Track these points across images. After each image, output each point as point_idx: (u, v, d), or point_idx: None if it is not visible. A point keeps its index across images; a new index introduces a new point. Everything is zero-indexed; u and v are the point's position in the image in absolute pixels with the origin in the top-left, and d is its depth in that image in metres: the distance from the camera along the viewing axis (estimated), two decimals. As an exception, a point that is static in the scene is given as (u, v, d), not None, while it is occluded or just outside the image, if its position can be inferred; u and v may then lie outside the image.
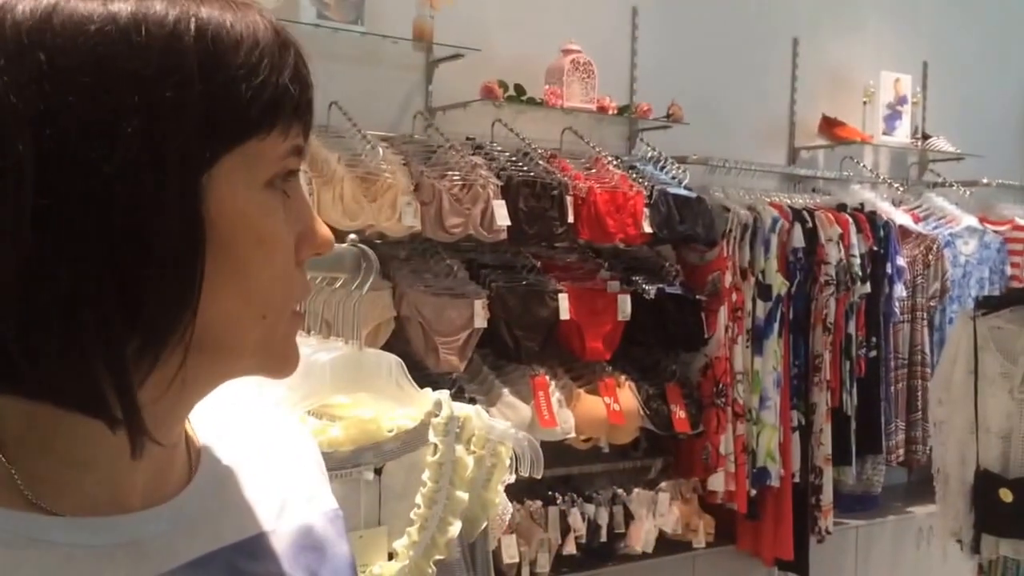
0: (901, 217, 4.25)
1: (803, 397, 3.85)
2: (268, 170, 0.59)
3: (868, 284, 3.96)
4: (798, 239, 3.82)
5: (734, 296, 3.68)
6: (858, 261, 3.93)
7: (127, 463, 0.59)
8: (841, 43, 4.58)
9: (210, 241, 0.56)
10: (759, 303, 3.74)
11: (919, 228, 4.29)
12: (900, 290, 4.09)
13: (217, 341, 0.59)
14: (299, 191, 0.62)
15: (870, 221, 4.04)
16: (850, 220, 3.97)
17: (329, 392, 1.34)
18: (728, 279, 3.67)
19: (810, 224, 3.87)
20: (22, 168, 0.51)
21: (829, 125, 4.44)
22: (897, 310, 4.12)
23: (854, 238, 3.94)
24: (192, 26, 0.55)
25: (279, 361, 0.64)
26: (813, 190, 4.37)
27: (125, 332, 0.54)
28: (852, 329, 3.94)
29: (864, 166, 4.55)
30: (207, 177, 0.56)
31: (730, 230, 3.71)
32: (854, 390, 3.95)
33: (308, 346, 1.42)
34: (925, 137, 4.70)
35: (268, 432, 0.76)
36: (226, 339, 0.60)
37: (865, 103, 4.46)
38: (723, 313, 3.65)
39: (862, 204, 4.18)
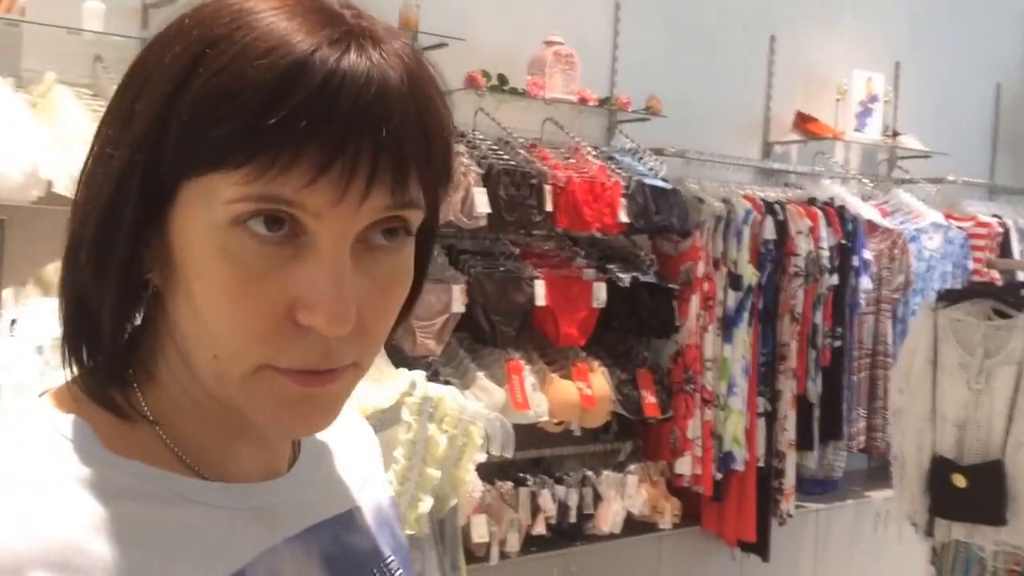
0: (869, 212, 4.37)
1: (769, 384, 3.97)
2: (223, 210, 0.55)
3: (836, 276, 4.08)
4: (769, 231, 3.93)
5: (706, 286, 3.78)
6: (827, 253, 4.04)
7: (236, 441, 0.65)
8: (817, 42, 4.69)
9: (172, 257, 0.59)
10: (730, 293, 3.85)
11: (886, 223, 4.41)
12: (866, 282, 4.21)
13: (186, 357, 0.61)
14: (319, 247, 0.56)
15: (839, 215, 4.15)
16: (820, 213, 4.08)
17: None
18: (701, 269, 3.77)
19: (781, 217, 3.97)
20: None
21: (803, 121, 4.55)
22: (862, 302, 4.24)
23: (823, 231, 4.05)
24: (218, 43, 0.55)
25: (257, 417, 0.61)
26: (786, 184, 4.47)
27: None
28: (819, 319, 4.06)
29: (835, 161, 4.67)
30: (179, 195, 0.57)
31: (704, 221, 3.80)
32: (819, 378, 4.08)
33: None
34: (895, 134, 4.82)
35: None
36: (189, 357, 0.61)
37: (838, 100, 4.57)
38: (695, 302, 3.75)
39: (832, 198, 4.29)
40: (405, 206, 0.58)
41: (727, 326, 3.84)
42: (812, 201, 4.18)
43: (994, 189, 5.47)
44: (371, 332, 0.59)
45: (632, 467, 3.68)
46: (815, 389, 4.07)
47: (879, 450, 4.30)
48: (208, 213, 0.56)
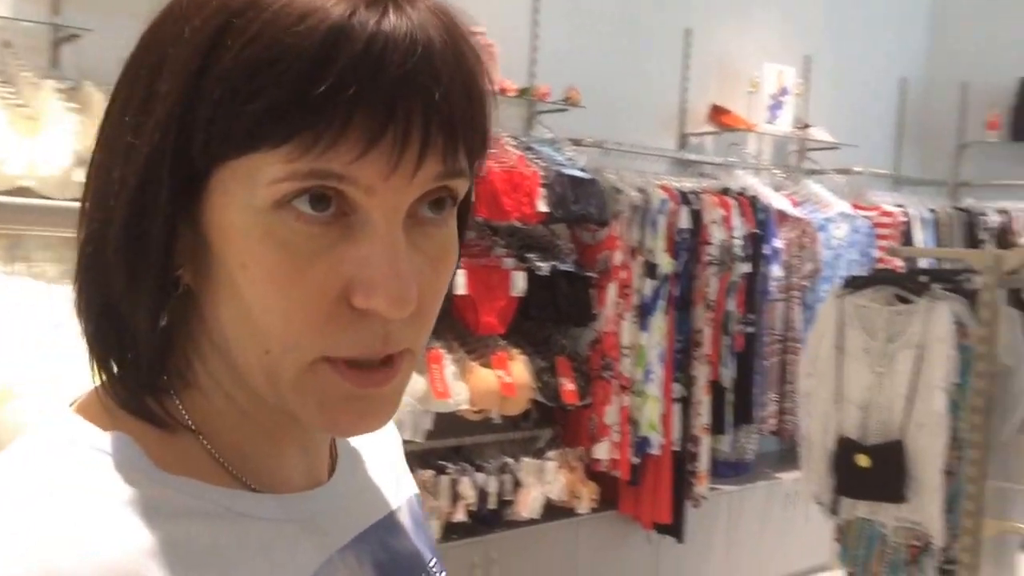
0: (780, 202, 4.49)
1: (684, 370, 4.06)
2: (267, 192, 0.51)
3: (748, 264, 4.19)
4: (685, 220, 4.01)
5: (623, 274, 3.85)
6: (740, 242, 4.14)
7: (280, 447, 0.61)
8: (731, 35, 4.80)
9: (208, 248, 0.54)
10: (646, 281, 3.92)
11: (796, 212, 4.54)
12: (776, 270, 4.34)
13: (229, 357, 0.57)
14: (372, 224, 0.52)
15: (752, 205, 4.26)
16: (733, 203, 4.18)
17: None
18: (618, 258, 3.84)
19: (696, 206, 4.06)
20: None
21: (717, 113, 4.65)
22: (773, 289, 4.36)
23: (736, 220, 4.16)
24: (244, 11, 0.51)
25: (308, 416, 0.56)
26: (701, 174, 4.57)
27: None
28: (732, 306, 4.17)
29: (748, 153, 4.79)
30: (211, 181, 0.53)
31: (621, 211, 3.87)
32: (732, 364, 4.19)
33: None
34: (805, 126, 4.96)
35: None
36: (234, 356, 0.56)
37: (751, 93, 4.68)
38: (612, 290, 3.82)
39: (745, 188, 4.40)
40: (456, 174, 0.54)
41: (643, 314, 3.91)
42: (726, 191, 4.28)
43: (899, 180, 5.68)
44: (426, 313, 0.56)
45: (551, 453, 3.74)
46: (728, 374, 4.18)
47: (789, 433, 4.44)
48: (248, 196, 0.52)
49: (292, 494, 0.61)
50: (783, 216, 4.45)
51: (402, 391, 0.58)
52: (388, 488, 0.72)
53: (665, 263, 3.94)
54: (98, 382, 0.59)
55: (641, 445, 3.89)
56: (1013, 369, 2.90)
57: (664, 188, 4.04)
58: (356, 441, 0.72)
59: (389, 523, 0.69)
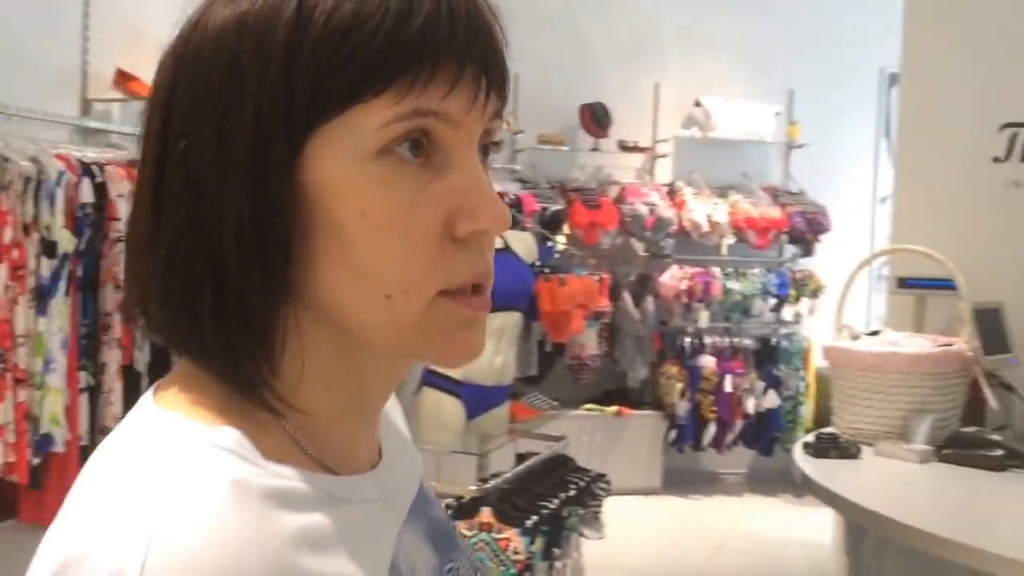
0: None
1: (92, 357, 3.75)
2: (375, 139, 0.56)
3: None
4: (87, 194, 3.68)
5: (15, 253, 3.43)
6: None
7: (355, 426, 0.64)
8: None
9: (311, 213, 0.56)
10: (44, 261, 3.54)
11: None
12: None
13: (340, 317, 0.59)
14: (459, 158, 0.58)
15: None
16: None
17: None
18: (8, 235, 3.40)
19: (100, 179, 3.76)
20: (146, 152, 0.58)
21: (124, 79, 4.35)
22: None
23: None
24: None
25: (431, 350, 0.60)
26: (110, 144, 4.25)
27: (216, 298, 0.56)
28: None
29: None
30: (307, 147, 0.55)
31: (11, 182, 3.44)
32: (146, 347, 3.95)
33: None
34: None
35: None
36: (346, 315, 0.59)
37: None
38: (2, 272, 3.38)
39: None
40: (500, 115, 0.60)
41: (42, 297, 3.52)
42: (134, 163, 4.02)
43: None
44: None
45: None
46: (143, 358, 3.94)
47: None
48: (354, 148, 0.55)
49: (367, 474, 0.64)
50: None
51: None
52: (412, 454, 0.75)
53: (65, 240, 3.59)
54: (189, 375, 0.61)
55: (42, 443, 3.51)
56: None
57: (61, 157, 3.67)
58: None
59: (423, 491, 0.72)
